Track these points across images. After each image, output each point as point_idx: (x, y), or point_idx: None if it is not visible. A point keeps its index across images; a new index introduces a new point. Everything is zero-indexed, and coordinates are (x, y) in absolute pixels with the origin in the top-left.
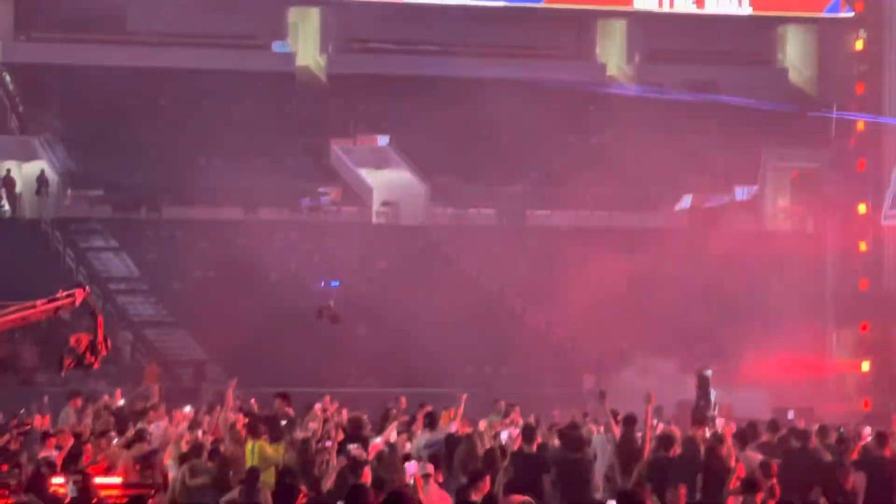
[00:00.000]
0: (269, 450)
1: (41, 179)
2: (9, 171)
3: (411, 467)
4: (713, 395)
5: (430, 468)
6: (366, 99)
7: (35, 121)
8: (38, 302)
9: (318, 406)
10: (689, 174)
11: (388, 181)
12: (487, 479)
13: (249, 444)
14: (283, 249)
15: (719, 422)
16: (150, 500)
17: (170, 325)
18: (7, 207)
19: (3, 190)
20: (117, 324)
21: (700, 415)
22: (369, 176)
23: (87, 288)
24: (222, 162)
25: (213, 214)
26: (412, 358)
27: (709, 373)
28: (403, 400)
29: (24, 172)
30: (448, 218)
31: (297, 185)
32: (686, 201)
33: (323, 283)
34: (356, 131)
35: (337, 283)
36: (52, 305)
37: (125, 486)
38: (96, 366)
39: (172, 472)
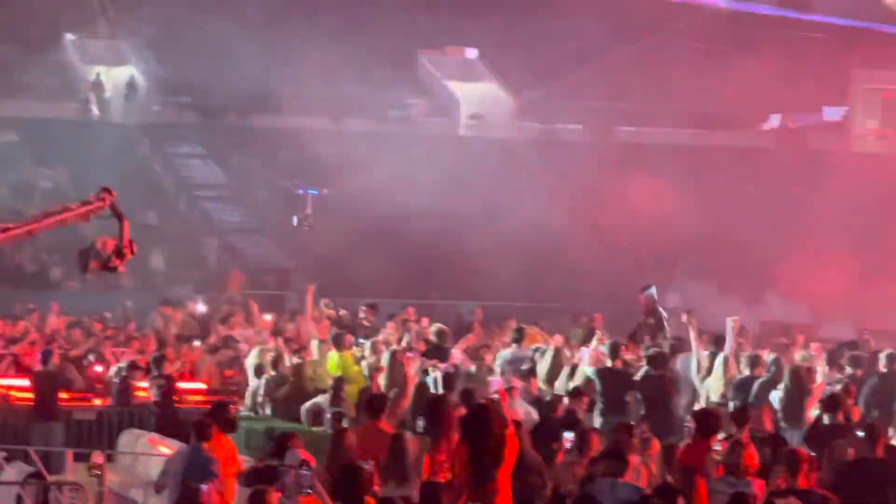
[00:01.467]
0: (354, 366)
1: (130, 84)
2: (98, 75)
3: (496, 382)
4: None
5: (515, 382)
6: (455, 10)
7: (125, 25)
8: (73, 205)
9: (399, 317)
10: (778, 93)
11: (475, 94)
12: (586, 398)
13: (335, 356)
14: (368, 160)
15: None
16: (233, 407)
17: (254, 232)
18: (96, 112)
19: (92, 94)
20: (203, 230)
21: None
22: (457, 88)
23: (114, 192)
24: (310, 71)
25: (300, 123)
26: (493, 271)
27: (653, 290)
28: (479, 311)
29: (114, 77)
30: (535, 132)
31: (385, 96)
32: (774, 120)
33: (301, 191)
34: (444, 43)
35: (316, 192)
36: (85, 209)
37: (208, 392)
38: (122, 269)
39: (254, 381)
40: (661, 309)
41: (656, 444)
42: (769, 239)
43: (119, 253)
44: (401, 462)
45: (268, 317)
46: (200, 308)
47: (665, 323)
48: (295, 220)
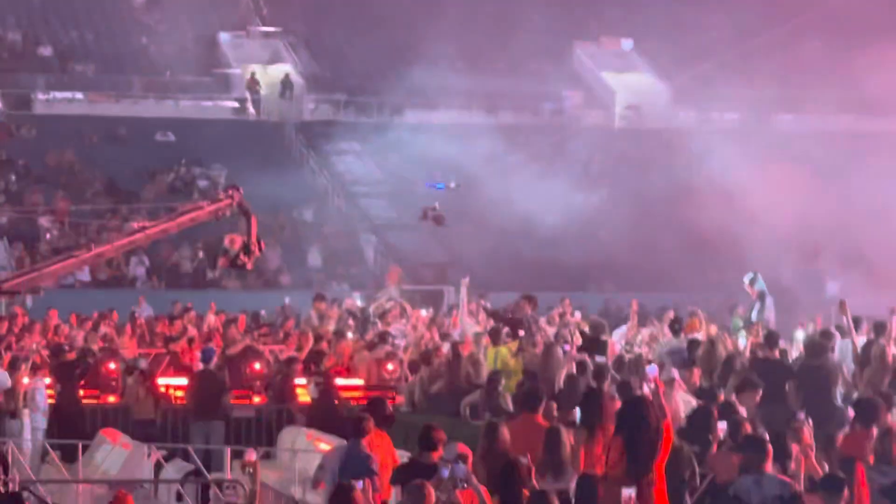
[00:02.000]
0: (512, 360)
1: (285, 82)
2: (253, 73)
3: (652, 371)
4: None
5: (675, 373)
6: (609, 1)
7: (279, 23)
8: (203, 203)
9: (555, 311)
10: None
11: (630, 84)
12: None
13: (492, 350)
14: (526, 155)
15: None
16: (390, 402)
17: (412, 227)
18: (252, 110)
19: (248, 93)
20: (360, 226)
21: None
22: (612, 79)
23: (241, 189)
24: (464, 65)
25: (454, 118)
26: (650, 261)
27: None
28: (635, 303)
29: (269, 75)
30: (691, 121)
31: (540, 89)
32: None
33: (428, 185)
34: (600, 34)
35: (443, 186)
36: (214, 207)
37: (366, 387)
38: (249, 266)
39: (410, 376)
40: (769, 298)
41: (811, 434)
42: None
43: (247, 250)
44: (557, 455)
45: (423, 311)
46: (358, 303)
47: (766, 312)
48: (422, 213)
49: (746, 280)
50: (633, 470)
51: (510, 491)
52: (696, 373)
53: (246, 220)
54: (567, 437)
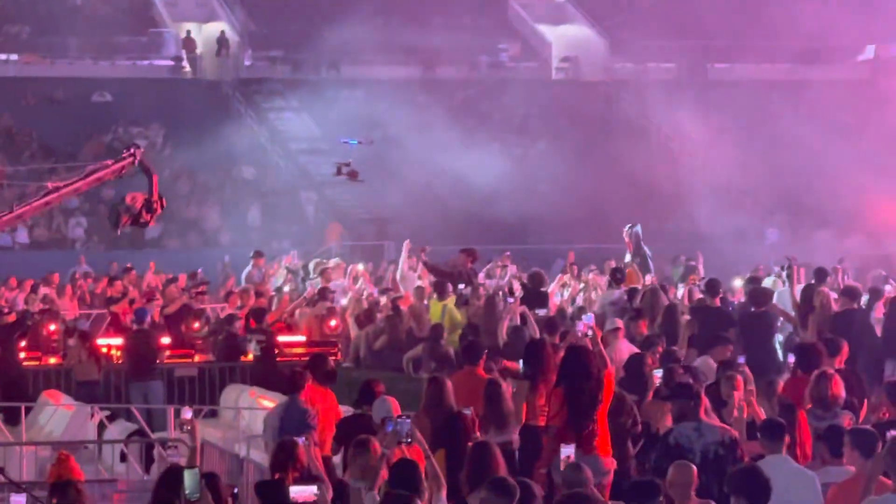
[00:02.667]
0: (457, 313)
1: (221, 40)
2: (189, 32)
3: (588, 319)
4: (647, 250)
5: (619, 322)
6: None
7: None
8: (108, 162)
9: (496, 263)
10: (872, 23)
11: (567, 36)
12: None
13: (438, 304)
14: (461, 107)
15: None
16: (332, 359)
17: (351, 184)
18: (188, 69)
19: (184, 51)
20: (300, 183)
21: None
22: (548, 31)
23: (142, 147)
24: (400, 20)
25: (391, 74)
26: (590, 214)
27: (638, 228)
28: (572, 255)
29: (205, 33)
30: (628, 72)
31: (476, 42)
32: (869, 51)
33: (342, 140)
34: None
35: (356, 142)
36: (118, 166)
37: (308, 344)
38: (151, 223)
39: (354, 331)
40: (645, 248)
41: (752, 381)
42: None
43: (149, 207)
44: (498, 407)
45: (361, 266)
46: (296, 260)
47: (650, 261)
48: (336, 170)
49: (638, 230)
50: (574, 420)
51: (455, 444)
52: (643, 324)
53: (148, 177)
54: (507, 390)
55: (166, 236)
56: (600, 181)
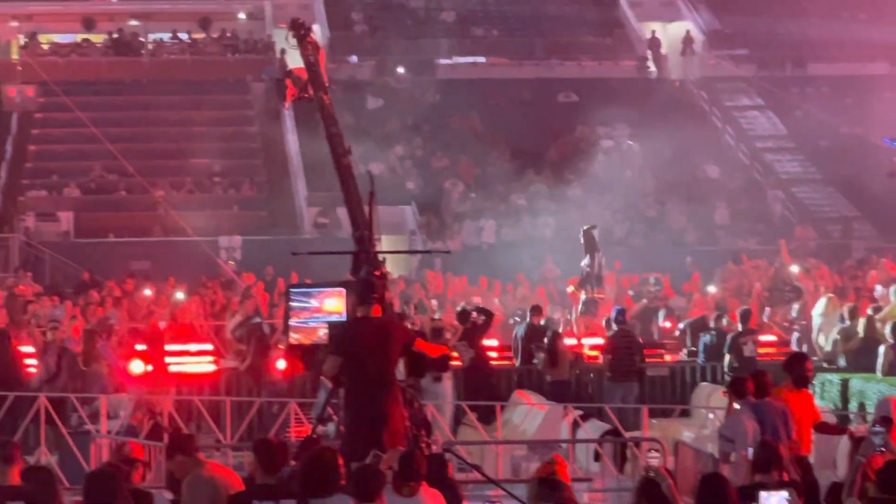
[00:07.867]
0: None
1: (686, 39)
2: (654, 32)
3: None
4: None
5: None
6: None
7: None
8: None
9: None
10: None
11: None
12: None
13: None
14: None
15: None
16: (808, 362)
17: (818, 182)
18: (653, 69)
19: (649, 51)
20: (766, 182)
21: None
22: None
23: None
24: (866, 16)
25: (857, 70)
26: None
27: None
28: None
29: (669, 33)
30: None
31: None
32: None
33: (886, 140)
34: None
35: None
36: None
37: (778, 343)
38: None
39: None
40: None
41: None
42: None
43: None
44: None
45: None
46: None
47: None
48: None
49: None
50: None
51: None
52: None
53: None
54: None
55: (632, 235)
56: None
